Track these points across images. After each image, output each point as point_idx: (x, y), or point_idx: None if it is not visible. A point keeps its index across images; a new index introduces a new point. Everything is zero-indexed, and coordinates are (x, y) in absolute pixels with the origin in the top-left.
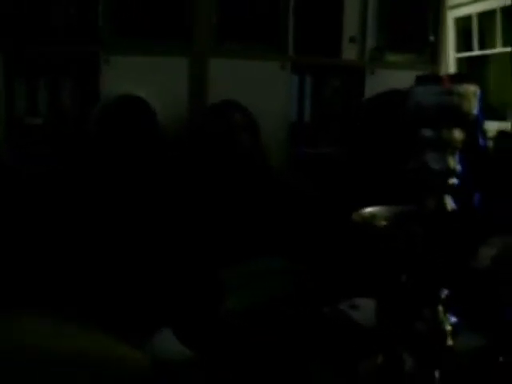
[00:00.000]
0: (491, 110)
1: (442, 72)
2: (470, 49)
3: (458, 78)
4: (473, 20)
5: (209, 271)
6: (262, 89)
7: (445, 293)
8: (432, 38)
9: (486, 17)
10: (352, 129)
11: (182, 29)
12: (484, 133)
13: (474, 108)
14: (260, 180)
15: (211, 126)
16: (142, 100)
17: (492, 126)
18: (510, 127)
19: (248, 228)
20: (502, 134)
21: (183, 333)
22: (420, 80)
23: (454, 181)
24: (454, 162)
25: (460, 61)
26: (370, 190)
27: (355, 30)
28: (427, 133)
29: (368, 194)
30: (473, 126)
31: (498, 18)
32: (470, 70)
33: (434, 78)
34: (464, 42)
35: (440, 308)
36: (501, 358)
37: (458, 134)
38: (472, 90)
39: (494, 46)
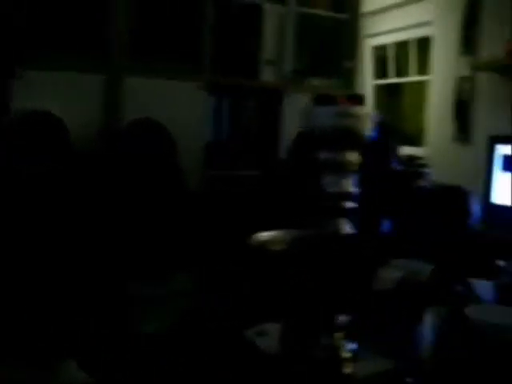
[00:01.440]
0: (406, 137)
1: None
2: (386, 76)
3: (355, 100)
4: (389, 49)
5: (118, 290)
6: (179, 109)
7: (344, 319)
8: (348, 64)
9: (401, 46)
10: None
11: (98, 46)
12: (392, 157)
13: (368, 130)
14: (174, 199)
15: (127, 146)
16: (51, 116)
17: (408, 151)
18: (424, 152)
19: (158, 246)
20: (410, 158)
21: (87, 360)
22: (318, 100)
23: (350, 204)
24: (349, 185)
25: (378, 88)
26: (280, 214)
27: (273, 52)
28: (323, 155)
29: (278, 218)
30: (378, 149)
31: (413, 48)
32: (387, 97)
33: (331, 99)
34: (382, 70)
35: (338, 335)
36: (407, 380)
37: (353, 157)
38: (366, 111)
39: (408, 75)
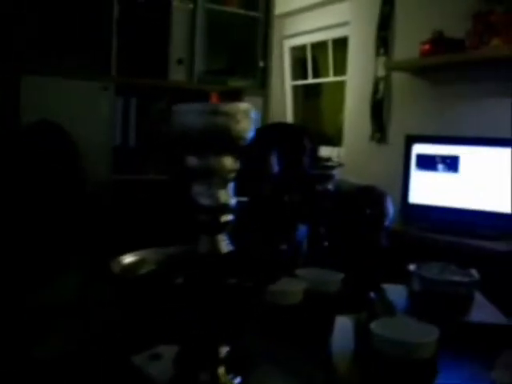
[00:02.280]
0: (326, 137)
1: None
2: (305, 77)
3: (231, 96)
4: (307, 50)
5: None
6: (83, 110)
7: (225, 350)
8: (262, 64)
9: (320, 47)
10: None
11: None
12: (302, 159)
13: (247, 131)
14: (74, 205)
15: (22, 149)
16: None
17: (326, 151)
18: (342, 153)
19: (57, 253)
20: (322, 159)
21: None
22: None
23: (227, 218)
24: (226, 196)
25: (296, 88)
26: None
27: (183, 52)
28: (192, 161)
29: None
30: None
31: (330, 48)
32: (306, 97)
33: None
34: (302, 71)
35: (221, 369)
36: None
37: (228, 162)
38: (243, 108)
39: (326, 75)
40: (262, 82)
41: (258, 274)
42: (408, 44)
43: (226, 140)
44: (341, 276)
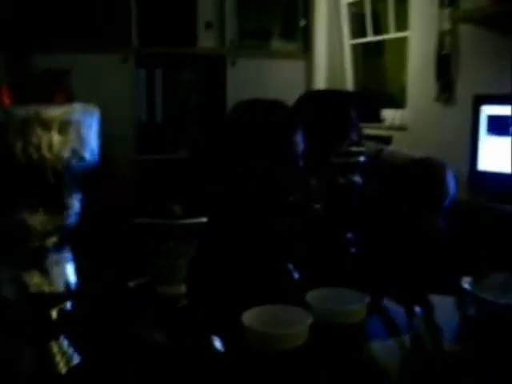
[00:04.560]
0: (389, 98)
1: (317, 61)
2: (364, 35)
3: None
4: (366, 4)
5: None
6: (100, 85)
7: None
8: (303, 23)
9: (379, 1)
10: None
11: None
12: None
13: (69, 157)
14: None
15: None
16: None
17: (390, 114)
18: (407, 115)
19: None
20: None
21: None
22: None
23: None
24: None
25: (355, 48)
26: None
27: (212, 14)
28: None
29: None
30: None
31: (391, 1)
32: (366, 57)
33: None
34: (359, 28)
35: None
36: None
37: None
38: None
39: (387, 32)
40: (304, 44)
41: None
42: None
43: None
44: (366, 299)
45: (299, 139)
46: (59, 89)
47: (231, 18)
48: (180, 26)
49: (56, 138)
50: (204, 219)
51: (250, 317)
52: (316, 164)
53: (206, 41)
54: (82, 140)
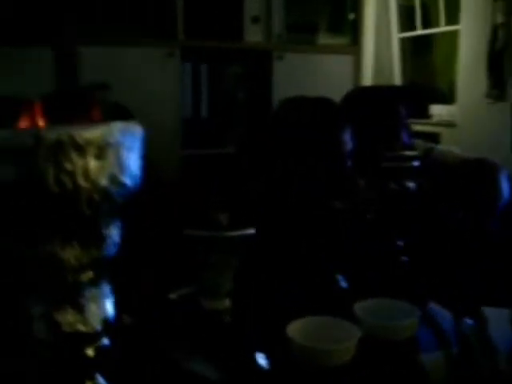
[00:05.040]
0: (439, 93)
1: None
2: (413, 28)
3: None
4: None
5: None
6: (146, 80)
7: None
8: (352, 16)
9: None
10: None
11: (46, 13)
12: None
13: (107, 185)
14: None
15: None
16: None
17: (438, 110)
18: (456, 111)
19: None
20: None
21: None
22: None
23: None
24: None
25: (403, 41)
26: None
27: (258, 8)
28: None
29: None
30: None
31: None
32: (415, 51)
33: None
34: (408, 21)
35: None
36: None
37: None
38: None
39: (437, 25)
40: (353, 38)
41: None
42: None
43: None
44: (417, 313)
45: (347, 138)
46: (96, 107)
47: (278, 12)
48: (226, 20)
49: (92, 163)
50: (251, 230)
51: (294, 329)
52: (365, 164)
53: (253, 35)
54: (121, 164)
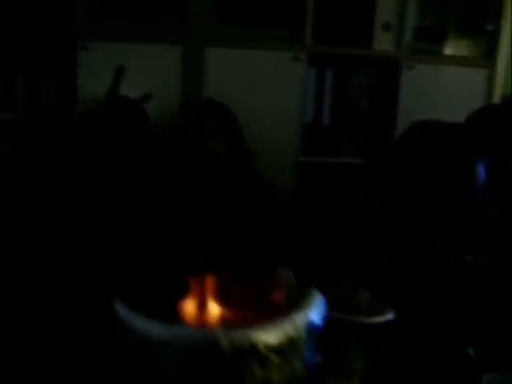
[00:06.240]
0: None
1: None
2: None
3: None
4: None
5: None
6: (270, 84)
7: None
8: (490, 27)
9: None
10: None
11: (174, 12)
12: None
13: None
14: (235, 188)
15: (180, 131)
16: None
17: None
18: None
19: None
20: None
21: None
22: None
23: None
24: None
25: None
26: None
27: (390, 14)
28: None
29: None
30: None
31: None
32: None
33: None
34: None
35: None
36: None
37: None
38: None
39: None
40: (488, 51)
41: None
42: None
43: None
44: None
45: (480, 169)
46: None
47: (411, 20)
48: (356, 26)
49: (274, 373)
50: (390, 316)
51: None
52: (498, 195)
53: (382, 43)
54: (303, 361)
